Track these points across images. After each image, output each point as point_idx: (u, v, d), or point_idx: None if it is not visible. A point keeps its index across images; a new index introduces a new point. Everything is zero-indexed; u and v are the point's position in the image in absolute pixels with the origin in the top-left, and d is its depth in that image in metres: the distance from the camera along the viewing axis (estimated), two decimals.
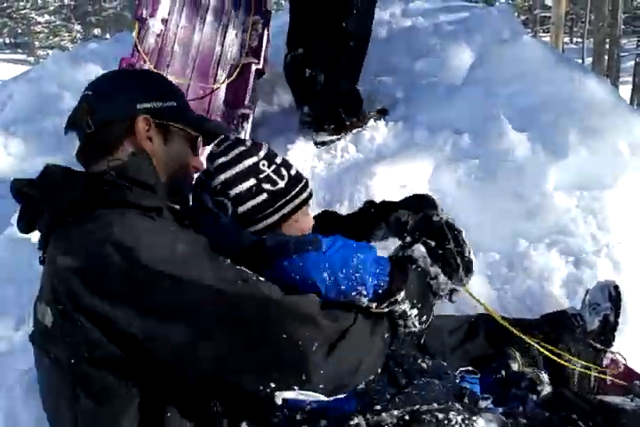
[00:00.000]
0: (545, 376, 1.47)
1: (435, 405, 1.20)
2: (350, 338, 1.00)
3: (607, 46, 9.40)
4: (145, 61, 2.67)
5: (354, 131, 2.69)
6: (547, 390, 1.43)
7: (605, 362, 1.61)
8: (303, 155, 2.63)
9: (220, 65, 2.87)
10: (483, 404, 1.32)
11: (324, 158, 2.62)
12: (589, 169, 2.21)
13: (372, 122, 2.70)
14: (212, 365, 0.99)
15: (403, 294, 1.03)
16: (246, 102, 2.76)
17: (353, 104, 2.72)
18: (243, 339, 0.96)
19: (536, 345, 1.44)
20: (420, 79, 2.91)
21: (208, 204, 1.24)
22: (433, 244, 1.13)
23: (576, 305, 1.84)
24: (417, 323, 1.07)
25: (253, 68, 2.81)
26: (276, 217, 1.22)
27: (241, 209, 1.20)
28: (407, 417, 1.17)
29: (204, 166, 1.30)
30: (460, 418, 1.15)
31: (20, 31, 30.27)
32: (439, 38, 3.18)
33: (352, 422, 1.13)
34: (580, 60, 11.52)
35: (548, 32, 14.31)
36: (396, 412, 1.18)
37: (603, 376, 1.54)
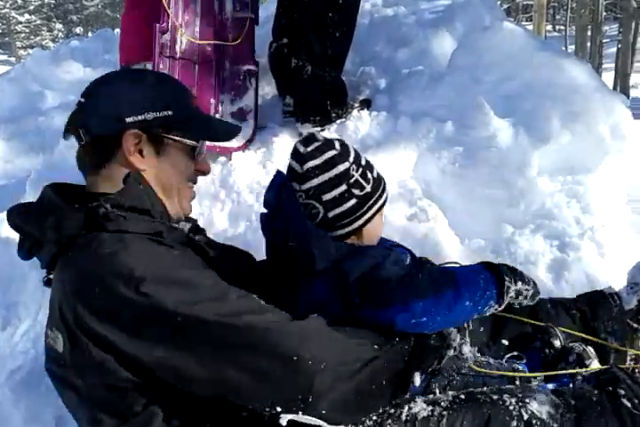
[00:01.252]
0: (591, 350, 1.46)
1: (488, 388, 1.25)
2: (366, 372, 1.04)
3: (589, 33, 9.44)
4: (177, 28, 2.53)
5: (338, 121, 2.69)
6: (594, 363, 1.41)
7: None
8: (287, 146, 2.62)
9: (222, 21, 2.77)
10: (534, 382, 1.34)
11: None
12: (572, 154, 2.23)
13: (355, 112, 2.70)
14: (222, 392, 1.02)
15: (506, 277, 1.17)
16: (252, 58, 2.73)
17: (338, 95, 2.71)
18: (251, 370, 0.99)
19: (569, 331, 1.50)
20: (403, 68, 2.90)
21: (296, 204, 1.21)
22: None
23: (561, 288, 1.86)
24: (528, 287, 1.23)
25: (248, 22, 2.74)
26: (361, 221, 1.24)
27: (331, 214, 1.21)
28: (463, 396, 1.21)
29: (210, 169, 1.29)
30: (513, 400, 1.19)
31: (0, 31, 29.92)
32: (421, 27, 3.17)
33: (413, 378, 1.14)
34: (562, 48, 11.56)
35: (530, 20, 14.34)
36: (451, 392, 1.23)
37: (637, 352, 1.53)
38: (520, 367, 1.37)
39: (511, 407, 1.19)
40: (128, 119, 1.15)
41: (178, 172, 1.22)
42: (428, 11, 3.37)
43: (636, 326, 1.58)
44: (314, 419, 1.01)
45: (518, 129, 2.30)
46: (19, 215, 1.15)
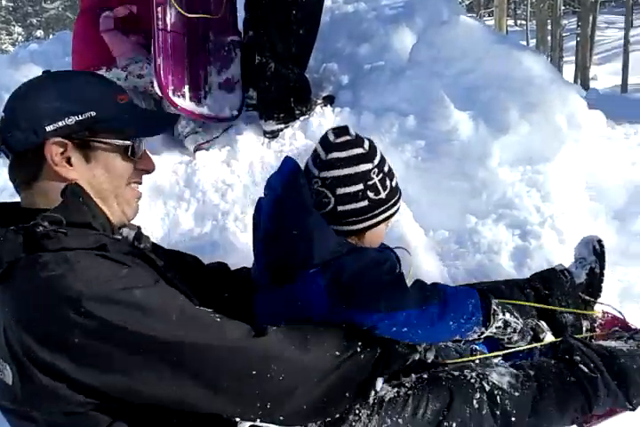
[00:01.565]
0: (544, 324, 1.50)
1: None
2: (325, 384, 1.04)
3: (549, 27, 9.62)
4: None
5: (301, 118, 2.70)
6: (548, 336, 1.46)
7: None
8: (251, 144, 2.63)
9: None
10: (493, 360, 1.38)
11: (273, 147, 2.62)
12: (531, 144, 2.28)
13: (319, 109, 2.71)
14: (181, 407, 1.01)
15: (494, 307, 1.19)
16: (235, 28, 2.75)
17: (302, 92, 2.72)
18: (209, 386, 0.98)
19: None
20: (365, 64, 2.93)
21: (307, 191, 1.21)
22: None
23: (524, 275, 1.90)
24: (515, 319, 1.25)
25: None
26: (366, 224, 1.24)
27: (340, 208, 1.21)
28: (425, 376, 1.25)
29: (154, 167, 1.23)
30: (474, 374, 1.25)
31: None
32: (381, 22, 3.19)
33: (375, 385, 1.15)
34: (524, 42, 11.76)
35: (492, 15, 14.55)
36: (414, 375, 1.26)
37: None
38: (478, 348, 1.42)
39: (472, 381, 1.23)
40: (48, 128, 1.09)
41: (114, 176, 1.16)
42: (389, 6, 3.39)
43: (587, 298, 1.65)
44: (272, 426, 1.04)
45: (478, 121, 2.34)
46: None
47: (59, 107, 1.10)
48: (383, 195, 1.23)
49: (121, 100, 1.18)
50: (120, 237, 1.17)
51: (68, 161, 1.11)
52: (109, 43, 2.82)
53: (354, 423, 1.15)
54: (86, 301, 0.94)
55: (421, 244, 2.09)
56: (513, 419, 1.21)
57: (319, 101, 2.75)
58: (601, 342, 1.38)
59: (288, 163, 1.27)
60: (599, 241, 1.72)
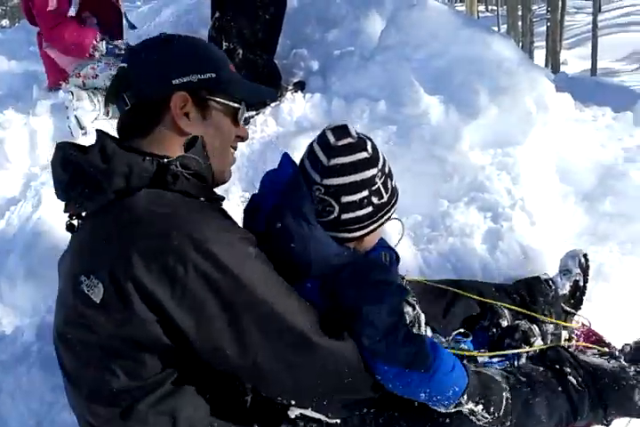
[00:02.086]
0: (536, 328, 1.53)
1: None
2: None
3: (520, 13, 9.67)
4: None
5: (272, 104, 2.67)
6: (538, 341, 1.48)
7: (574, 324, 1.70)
8: None
9: None
10: (480, 360, 1.38)
11: None
12: (501, 127, 2.28)
13: (289, 95, 2.68)
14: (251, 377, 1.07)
15: (465, 397, 1.12)
16: None
17: (271, 78, 2.69)
18: (285, 364, 1.03)
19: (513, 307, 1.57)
20: (334, 49, 2.91)
21: (308, 199, 1.15)
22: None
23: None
24: (486, 415, 1.16)
25: None
26: (370, 229, 1.18)
27: (344, 217, 1.15)
28: None
29: (248, 136, 1.29)
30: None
31: None
32: (350, 7, 3.17)
33: None
34: (495, 28, 11.82)
35: (463, 1, 14.57)
36: None
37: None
38: (465, 347, 1.40)
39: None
40: (175, 81, 1.15)
41: (223, 136, 1.22)
42: None
43: (568, 309, 1.68)
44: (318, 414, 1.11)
45: (448, 105, 2.34)
46: (76, 152, 1.10)
47: (185, 63, 1.17)
48: (385, 198, 1.17)
49: (232, 69, 1.27)
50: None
51: (187, 115, 1.17)
52: (54, 58, 3.00)
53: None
54: (209, 242, 0.98)
55: (394, 229, 2.08)
56: (503, 418, 1.22)
57: (290, 87, 2.73)
58: (585, 359, 1.40)
59: (287, 163, 1.20)
60: (585, 255, 1.76)
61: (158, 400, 1.03)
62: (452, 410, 1.13)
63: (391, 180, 1.20)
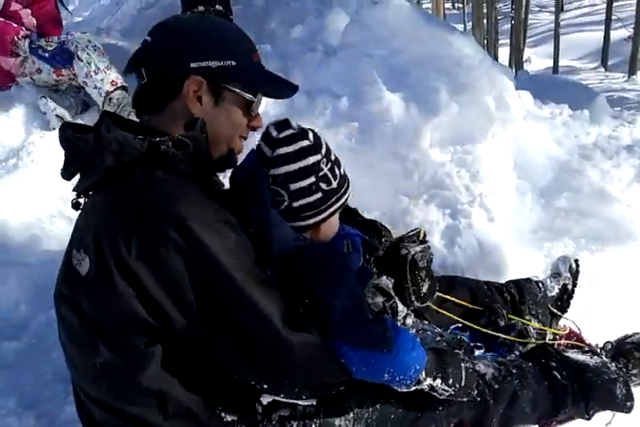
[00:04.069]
0: (532, 329, 1.58)
1: None
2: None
3: (485, 10, 9.76)
4: None
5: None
6: (532, 342, 1.54)
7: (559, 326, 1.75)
8: None
9: None
10: (476, 352, 1.44)
11: None
12: (460, 124, 2.31)
13: None
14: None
15: (423, 373, 1.14)
16: None
17: None
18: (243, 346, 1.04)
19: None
20: (298, 46, 2.90)
21: (263, 189, 1.18)
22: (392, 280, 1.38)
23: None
24: (447, 387, 1.18)
25: None
26: (324, 215, 1.20)
27: (295, 204, 1.18)
28: None
29: (262, 125, 1.24)
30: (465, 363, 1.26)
31: None
32: (314, 4, 3.17)
33: None
34: (461, 25, 11.92)
35: None
36: None
37: (556, 331, 1.68)
38: (464, 338, 1.45)
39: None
40: (192, 64, 1.14)
41: (232, 125, 1.21)
42: None
43: (555, 311, 1.73)
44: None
45: (409, 102, 2.36)
46: (75, 132, 1.11)
47: (205, 48, 1.16)
48: (334, 184, 1.20)
49: (255, 58, 1.24)
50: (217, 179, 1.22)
51: (199, 99, 1.16)
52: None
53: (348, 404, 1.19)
54: (190, 222, 0.99)
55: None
56: (490, 408, 1.28)
57: None
58: (570, 355, 1.46)
59: (248, 158, 1.23)
60: (576, 261, 1.81)
61: (145, 380, 1.03)
62: (413, 388, 1.16)
63: (339, 167, 1.23)
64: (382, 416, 1.21)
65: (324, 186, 1.18)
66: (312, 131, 1.21)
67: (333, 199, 1.21)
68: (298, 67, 2.76)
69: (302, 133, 1.20)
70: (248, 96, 1.20)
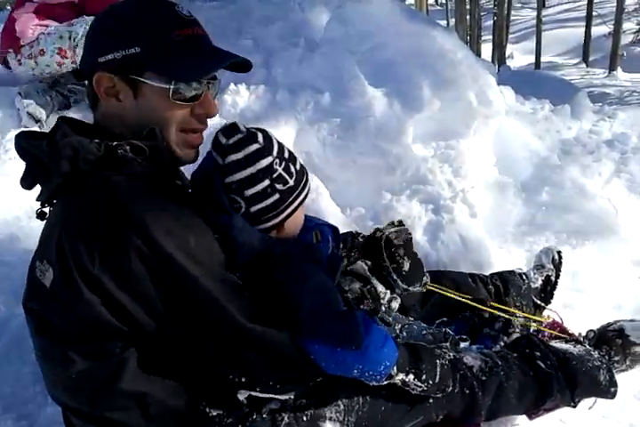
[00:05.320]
0: (515, 321, 1.59)
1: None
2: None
3: (468, 7, 9.82)
4: None
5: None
6: (517, 333, 1.56)
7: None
8: None
9: None
10: (462, 345, 1.45)
11: None
12: (443, 120, 2.32)
13: (232, 86, 2.64)
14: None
15: (395, 369, 1.14)
16: None
17: None
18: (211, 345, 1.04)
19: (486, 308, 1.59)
20: (279, 41, 2.88)
21: (221, 196, 1.16)
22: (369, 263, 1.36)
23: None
24: (419, 383, 1.19)
25: None
26: (284, 215, 1.20)
27: (253, 209, 1.17)
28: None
29: (215, 111, 1.18)
30: (451, 354, 1.29)
31: None
32: None
33: None
34: (445, 21, 11.98)
35: None
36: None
37: (540, 327, 1.68)
38: (449, 331, 1.45)
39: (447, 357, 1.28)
40: (100, 59, 1.08)
41: (160, 117, 1.10)
42: None
43: (539, 302, 1.75)
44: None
45: (392, 98, 2.35)
46: (30, 140, 1.08)
47: (112, 39, 1.08)
48: (291, 182, 1.19)
49: (177, 37, 1.08)
50: (180, 182, 1.20)
51: (117, 95, 1.10)
52: (18, 23, 2.86)
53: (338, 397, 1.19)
54: (151, 226, 0.97)
55: (339, 222, 2.09)
56: (478, 400, 1.29)
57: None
58: (554, 344, 1.48)
59: (208, 158, 1.20)
60: (559, 252, 1.83)
61: (123, 384, 1.02)
62: (384, 383, 1.16)
63: (294, 164, 1.22)
64: (373, 408, 1.22)
65: (279, 186, 1.17)
66: (262, 131, 1.19)
67: (292, 197, 1.20)
68: (280, 62, 2.73)
69: (251, 137, 1.16)
70: (162, 85, 1.07)
